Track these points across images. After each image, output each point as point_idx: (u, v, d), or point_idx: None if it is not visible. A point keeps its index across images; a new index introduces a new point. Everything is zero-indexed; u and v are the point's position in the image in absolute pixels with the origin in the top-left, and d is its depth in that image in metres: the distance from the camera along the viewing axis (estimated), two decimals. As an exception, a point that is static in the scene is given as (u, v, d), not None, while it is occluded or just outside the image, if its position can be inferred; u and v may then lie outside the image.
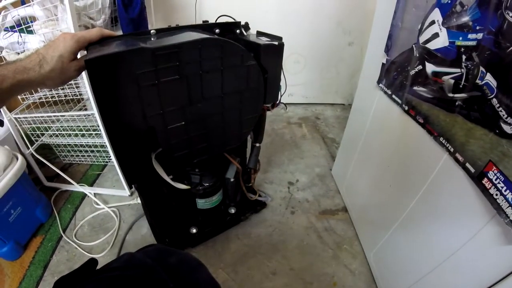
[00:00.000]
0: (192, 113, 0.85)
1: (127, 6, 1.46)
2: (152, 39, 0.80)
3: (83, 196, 1.58)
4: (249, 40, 0.92)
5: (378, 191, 1.18)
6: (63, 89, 1.49)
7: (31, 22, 1.21)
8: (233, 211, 1.37)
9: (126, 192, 1.56)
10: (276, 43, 0.89)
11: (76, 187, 1.58)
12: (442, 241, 0.78)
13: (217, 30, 0.93)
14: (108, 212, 1.47)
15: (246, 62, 0.86)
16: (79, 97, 1.57)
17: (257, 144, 1.18)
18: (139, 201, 1.49)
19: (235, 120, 0.98)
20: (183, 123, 0.86)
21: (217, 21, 0.97)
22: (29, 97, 1.45)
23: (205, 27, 0.92)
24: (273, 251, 1.30)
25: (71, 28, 1.04)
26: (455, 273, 0.73)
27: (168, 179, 0.99)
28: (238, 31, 0.96)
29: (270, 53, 0.91)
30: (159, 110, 0.79)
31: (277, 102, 1.06)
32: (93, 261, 0.59)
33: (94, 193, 1.57)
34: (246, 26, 0.97)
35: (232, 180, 1.23)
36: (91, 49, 0.70)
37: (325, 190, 1.65)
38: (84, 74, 1.11)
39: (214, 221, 1.33)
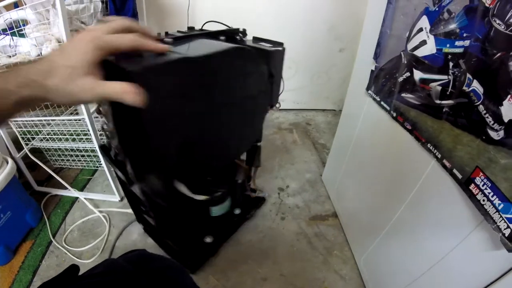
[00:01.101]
0: (215, 122, 0.84)
1: (119, 11, 1.47)
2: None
3: (73, 201, 1.56)
4: (256, 46, 0.93)
5: (368, 196, 1.19)
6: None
7: (23, 25, 1.21)
8: (238, 211, 1.39)
9: (116, 197, 1.54)
10: (281, 48, 0.95)
11: (67, 192, 1.56)
12: (431, 246, 0.78)
13: (221, 37, 0.94)
14: (98, 217, 1.46)
15: (261, 68, 0.91)
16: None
17: (259, 144, 1.22)
18: (130, 210, 1.45)
19: (249, 123, 1.03)
20: (212, 133, 0.85)
21: (203, 27, 1.01)
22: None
23: (212, 34, 0.92)
24: (263, 257, 1.30)
25: (62, 32, 1.03)
26: (445, 278, 0.74)
27: (191, 194, 0.93)
28: (237, 37, 0.98)
29: (277, 58, 0.97)
30: (199, 125, 0.76)
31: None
32: (74, 267, 0.59)
33: (85, 198, 1.56)
34: (244, 33, 1.01)
35: (240, 182, 1.26)
36: (120, 57, 0.54)
37: (316, 196, 1.65)
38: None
39: (225, 225, 1.34)
